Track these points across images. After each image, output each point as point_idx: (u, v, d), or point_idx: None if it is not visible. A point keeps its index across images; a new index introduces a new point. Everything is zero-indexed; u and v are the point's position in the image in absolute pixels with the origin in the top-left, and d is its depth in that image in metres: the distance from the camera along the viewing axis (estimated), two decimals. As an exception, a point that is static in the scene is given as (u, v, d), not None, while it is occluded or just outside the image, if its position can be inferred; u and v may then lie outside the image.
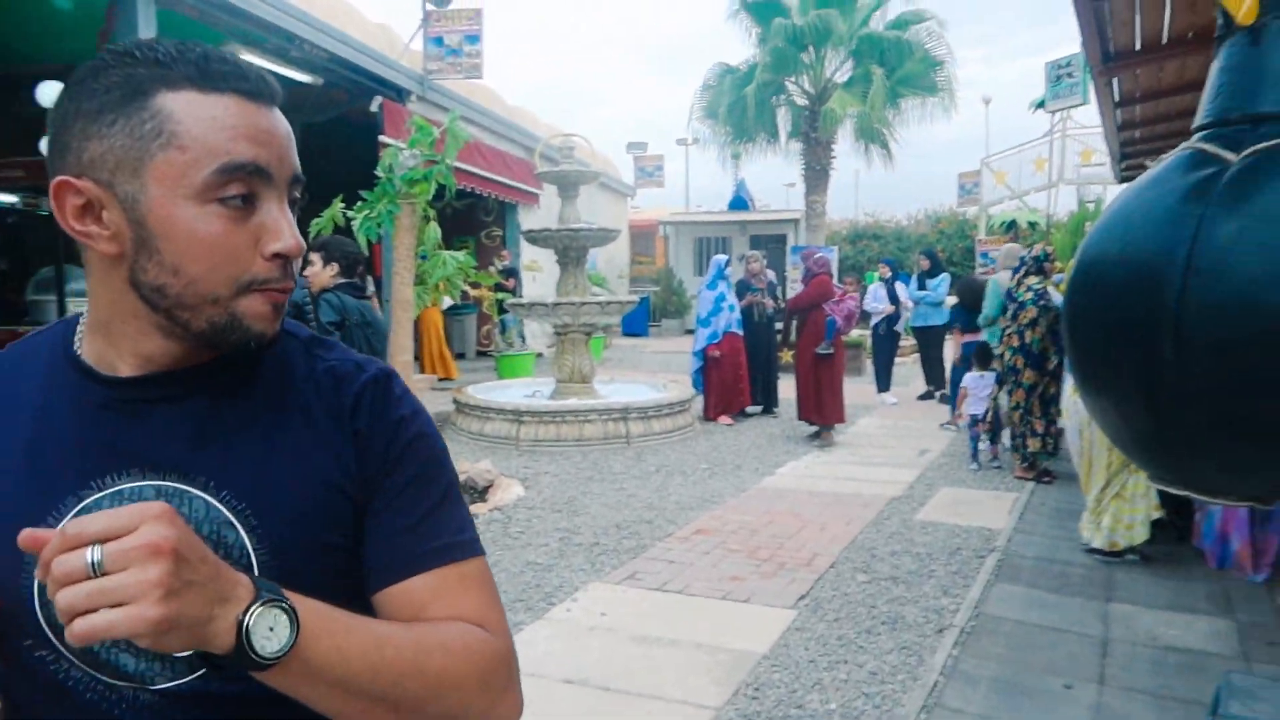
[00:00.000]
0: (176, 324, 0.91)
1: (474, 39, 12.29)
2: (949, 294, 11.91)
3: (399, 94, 11.97)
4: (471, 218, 16.95)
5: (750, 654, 4.29)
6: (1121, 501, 5.57)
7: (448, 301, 13.44)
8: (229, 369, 0.97)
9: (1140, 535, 5.52)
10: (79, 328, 0.99)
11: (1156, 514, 5.54)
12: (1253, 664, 4.18)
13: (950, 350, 11.16)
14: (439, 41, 12.23)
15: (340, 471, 0.97)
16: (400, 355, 7.36)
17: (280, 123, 0.93)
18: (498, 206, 16.66)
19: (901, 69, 20.39)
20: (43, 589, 0.81)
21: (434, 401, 10.71)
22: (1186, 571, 5.45)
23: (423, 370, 13.06)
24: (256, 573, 0.91)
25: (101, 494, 0.90)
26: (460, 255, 9.12)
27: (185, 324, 0.91)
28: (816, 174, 21.62)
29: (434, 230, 8.34)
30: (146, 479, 0.91)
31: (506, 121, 15.79)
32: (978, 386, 8.33)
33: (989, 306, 9.12)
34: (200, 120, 0.87)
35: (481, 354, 17.04)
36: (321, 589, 0.87)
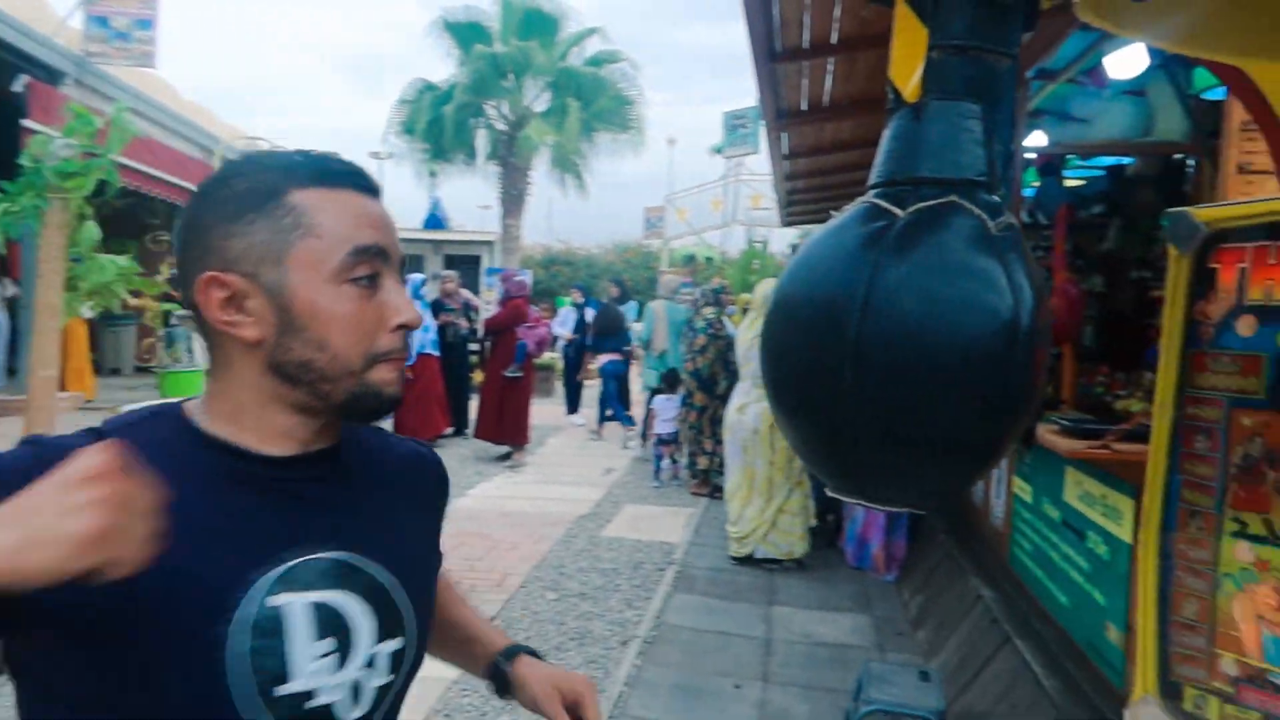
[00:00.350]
0: (318, 397, 1.02)
1: (146, 24, 11.21)
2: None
3: (51, 75, 10.62)
4: (136, 219, 15.33)
5: (440, 679, 4.24)
6: (787, 515, 6.15)
7: (88, 311, 12.01)
8: (348, 447, 1.11)
9: (800, 549, 6.15)
10: (192, 416, 1.04)
11: (813, 523, 6.21)
12: (886, 653, 4.79)
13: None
14: (103, 22, 11.02)
15: (438, 537, 1.27)
16: (42, 369, 6.48)
17: (388, 211, 1.07)
18: (167, 209, 15.22)
19: (596, 104, 21.27)
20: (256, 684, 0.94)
21: (83, 423, 9.53)
22: (834, 574, 6.12)
23: (64, 387, 11.57)
24: (407, 631, 1.08)
25: (285, 566, 0.98)
26: (122, 260, 8.22)
27: (326, 396, 1.02)
28: (513, 198, 21.94)
29: (91, 230, 7.46)
30: (324, 551, 1.02)
31: (182, 118, 14.48)
32: (665, 408, 8.84)
33: (645, 329, 10.36)
34: (330, 212, 1.00)
35: (141, 369, 15.41)
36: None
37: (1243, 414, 1.52)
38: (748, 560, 6.22)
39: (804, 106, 5.62)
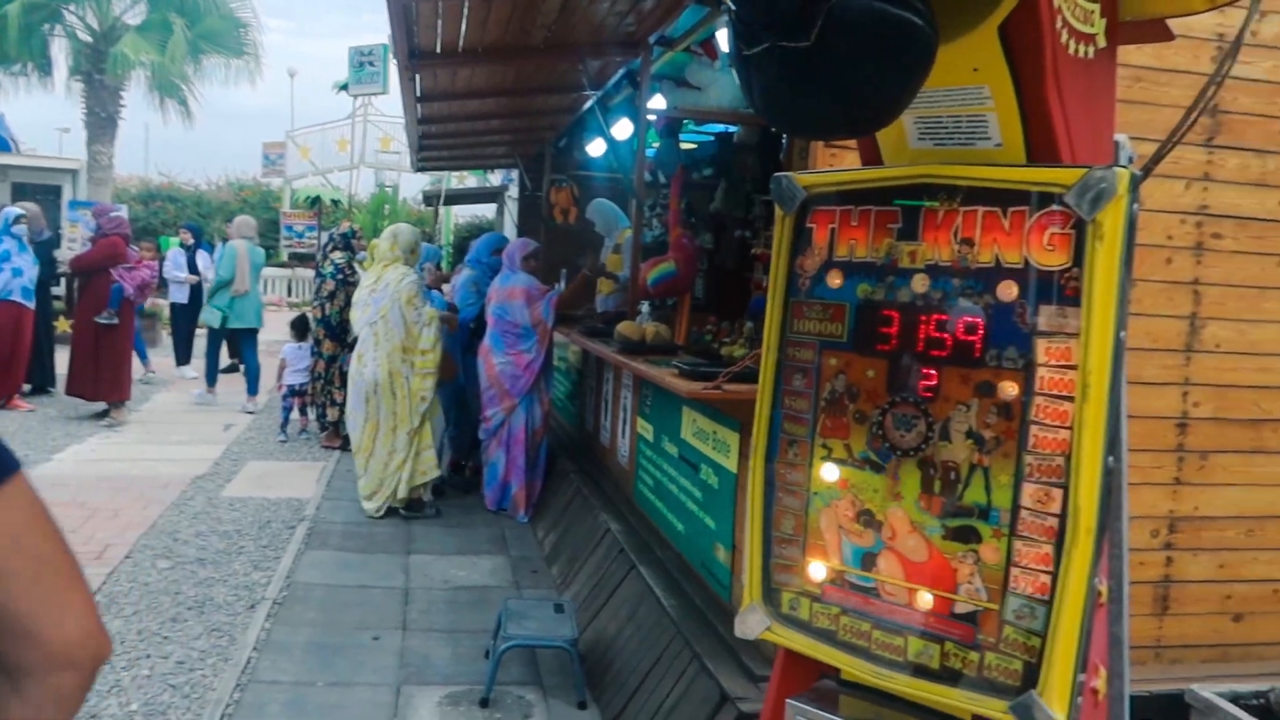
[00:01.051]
0: None
1: None
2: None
3: None
4: None
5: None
6: (413, 464, 6.08)
7: None
8: None
9: (428, 497, 6.13)
10: None
11: (440, 472, 6.21)
12: (523, 590, 4.98)
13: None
14: None
15: None
16: None
17: None
18: None
19: (203, 23, 19.16)
20: None
21: None
22: (471, 519, 6.22)
23: None
24: None
25: None
26: None
27: None
28: (102, 121, 19.18)
29: None
30: None
31: None
32: (296, 358, 8.34)
33: (226, 269, 9.46)
34: None
35: None
36: None
37: (830, 355, 1.77)
38: (386, 513, 6.11)
39: (439, 49, 5.50)
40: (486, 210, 21.67)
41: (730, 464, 3.67)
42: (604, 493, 5.63)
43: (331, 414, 7.93)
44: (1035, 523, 1.54)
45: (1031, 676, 1.54)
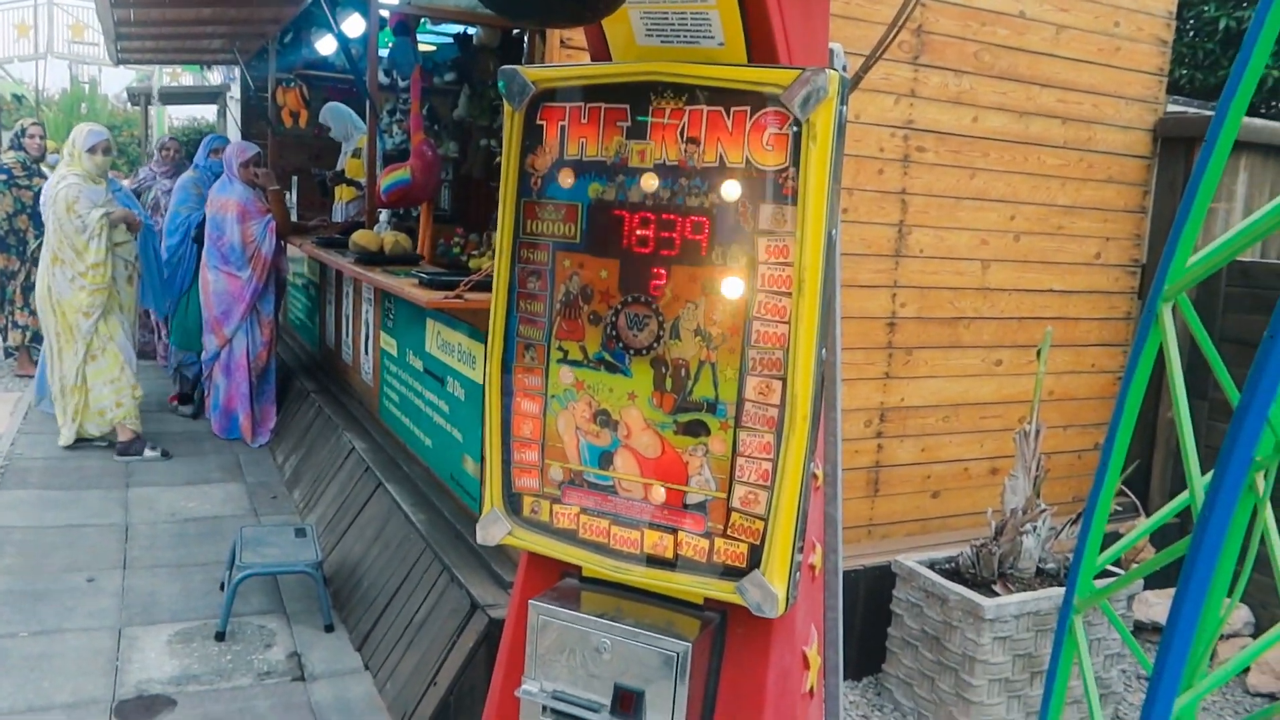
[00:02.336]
0: None
1: None
2: None
3: None
4: None
5: None
6: (100, 386, 5.45)
7: None
8: None
9: (131, 421, 5.51)
10: None
11: (118, 412, 5.50)
12: (261, 517, 4.72)
13: None
14: None
15: None
16: None
17: None
18: None
19: None
20: None
21: None
22: (200, 447, 5.79)
23: None
24: None
25: None
26: None
27: None
28: None
29: None
30: None
31: None
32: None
33: None
34: None
35: None
36: None
37: (565, 256, 1.75)
38: (97, 443, 5.54)
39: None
40: (207, 112, 19.75)
41: (476, 375, 3.62)
42: (348, 412, 5.41)
43: (14, 337, 7.05)
44: (758, 414, 1.62)
45: (756, 558, 1.64)
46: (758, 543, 1.64)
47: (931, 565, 3.36)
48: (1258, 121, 4.36)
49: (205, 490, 5.06)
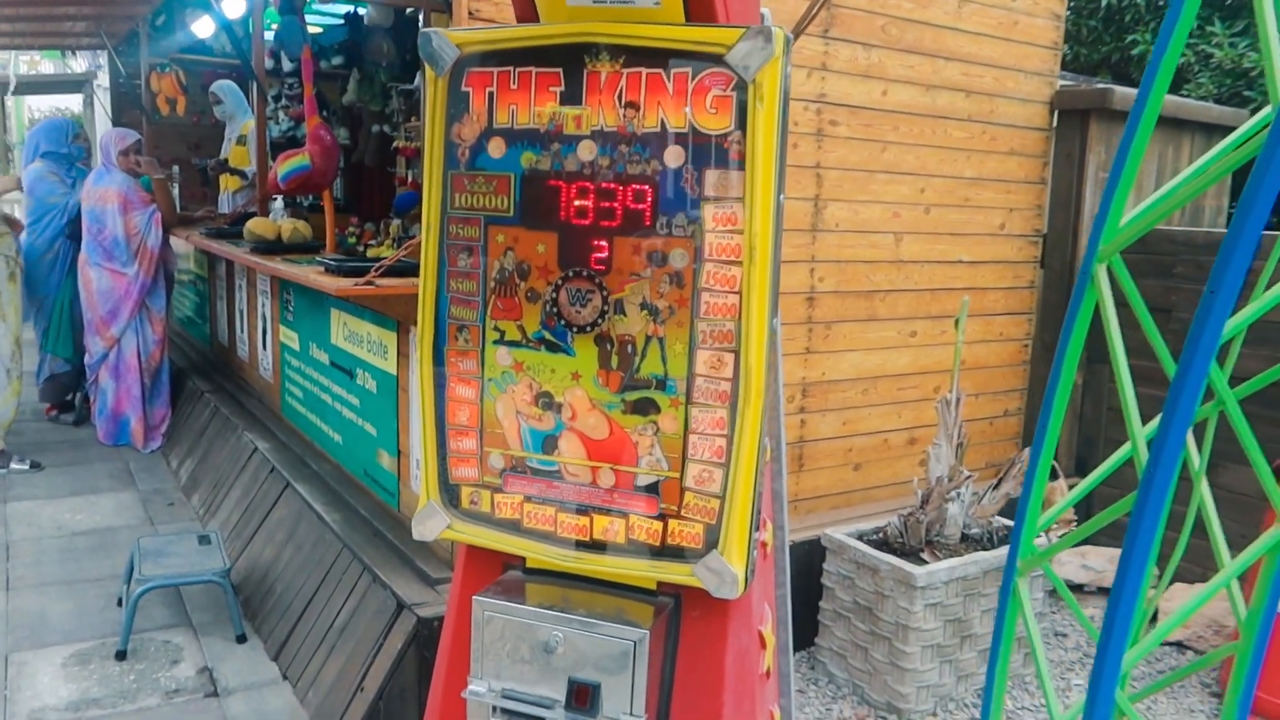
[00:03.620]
0: None
1: None
2: None
3: None
4: None
5: None
6: None
7: None
8: None
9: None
10: None
11: (14, 401, 5.21)
12: (158, 526, 4.45)
13: None
14: None
15: None
16: None
17: None
18: None
19: None
20: None
21: None
22: (84, 456, 5.43)
23: None
24: None
25: None
26: None
27: None
28: None
29: None
30: None
31: None
32: None
33: None
34: None
35: None
36: None
37: (497, 231, 1.65)
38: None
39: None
40: (71, 102, 18.62)
41: (389, 366, 3.46)
42: (247, 411, 5.15)
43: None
44: (710, 388, 1.56)
45: (712, 538, 1.58)
46: (714, 522, 1.58)
47: (860, 537, 3.38)
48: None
49: (93, 501, 4.74)
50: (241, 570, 3.78)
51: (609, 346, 1.61)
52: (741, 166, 1.49)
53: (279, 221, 4.30)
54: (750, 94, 1.46)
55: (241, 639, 3.39)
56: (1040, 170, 4.32)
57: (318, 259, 3.70)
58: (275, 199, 4.99)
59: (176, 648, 3.35)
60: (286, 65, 7.09)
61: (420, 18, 5.56)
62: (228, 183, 6.61)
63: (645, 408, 1.60)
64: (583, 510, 1.66)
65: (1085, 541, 4.08)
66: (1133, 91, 4.43)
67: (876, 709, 3.19)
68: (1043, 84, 4.23)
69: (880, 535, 3.39)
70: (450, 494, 1.75)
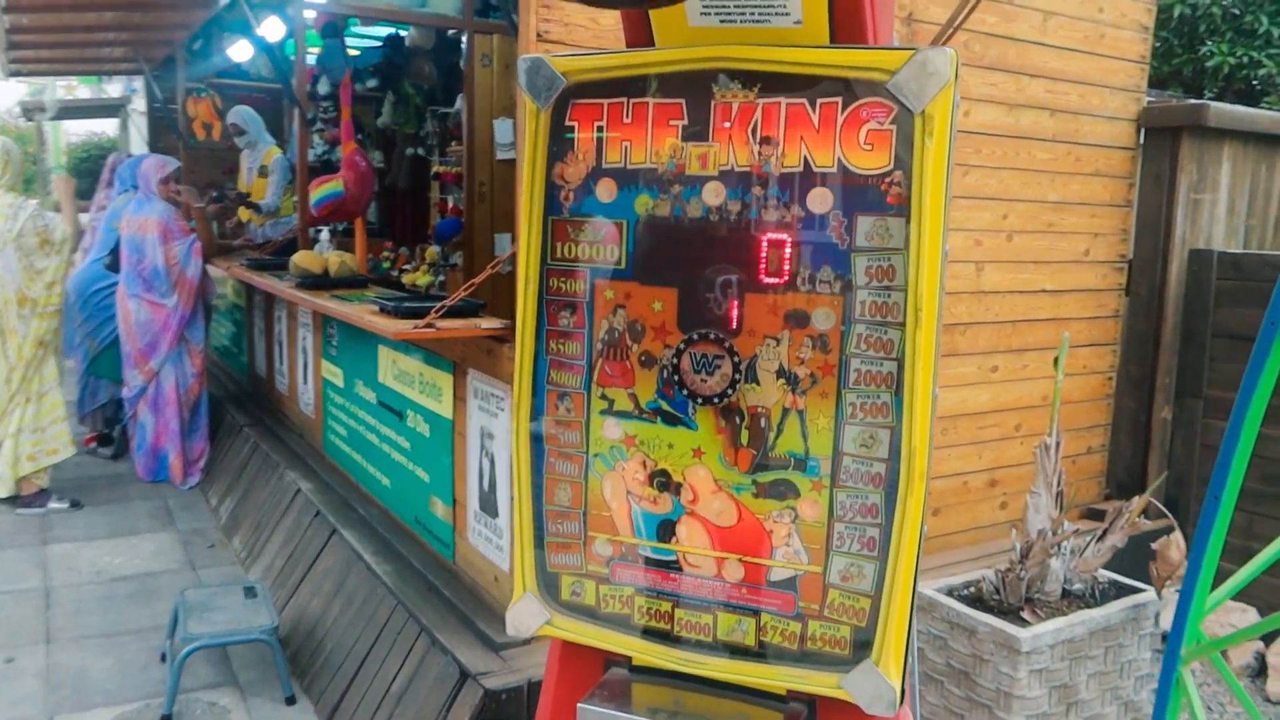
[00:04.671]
0: None
1: None
2: None
3: None
4: None
5: None
6: (31, 434, 4.90)
7: None
8: None
9: (59, 455, 4.98)
10: None
11: (69, 452, 5.03)
12: (199, 570, 4.26)
13: None
14: None
15: None
16: None
17: None
18: None
19: None
20: None
21: None
22: (123, 493, 5.27)
23: None
24: None
25: None
26: None
27: None
28: None
29: None
30: None
31: None
32: None
33: None
34: None
35: None
36: None
37: (606, 285, 1.44)
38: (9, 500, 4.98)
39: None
40: (107, 126, 18.74)
41: (444, 410, 3.26)
42: (287, 447, 4.98)
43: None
44: (860, 470, 1.34)
45: (861, 642, 1.35)
46: (863, 625, 1.36)
47: (950, 593, 3.13)
48: (1238, 109, 4.26)
49: (133, 543, 4.57)
50: (288, 622, 3.58)
51: (738, 420, 1.39)
52: (902, 212, 1.27)
53: (325, 254, 4.12)
54: (918, 127, 1.24)
55: (291, 700, 3.19)
56: (1126, 192, 4.07)
57: (371, 297, 3.51)
58: (321, 229, 4.83)
59: (223, 710, 3.15)
60: (322, 89, 6.97)
61: (464, 40, 5.42)
62: (243, 214, 6.48)
63: (781, 491, 1.38)
64: (706, 606, 1.44)
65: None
66: (1231, 108, 4.18)
67: (976, 782, 2.94)
68: (1129, 100, 3.99)
69: (973, 590, 3.14)
70: (549, 583, 1.54)
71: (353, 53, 7.11)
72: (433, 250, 5.14)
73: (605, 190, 1.42)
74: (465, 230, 4.74)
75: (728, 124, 1.35)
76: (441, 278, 4.81)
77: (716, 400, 1.39)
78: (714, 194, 1.36)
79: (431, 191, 6.45)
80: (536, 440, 1.51)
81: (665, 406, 1.43)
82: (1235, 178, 4.17)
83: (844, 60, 1.27)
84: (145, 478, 5.42)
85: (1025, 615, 2.96)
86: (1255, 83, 5.83)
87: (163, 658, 3.38)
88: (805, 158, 1.31)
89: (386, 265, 5.54)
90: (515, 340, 1.49)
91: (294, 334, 5.14)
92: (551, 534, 1.52)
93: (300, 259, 4.00)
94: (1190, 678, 1.77)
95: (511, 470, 1.53)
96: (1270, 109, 5.25)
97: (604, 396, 1.46)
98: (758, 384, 1.37)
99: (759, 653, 1.42)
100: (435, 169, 6.16)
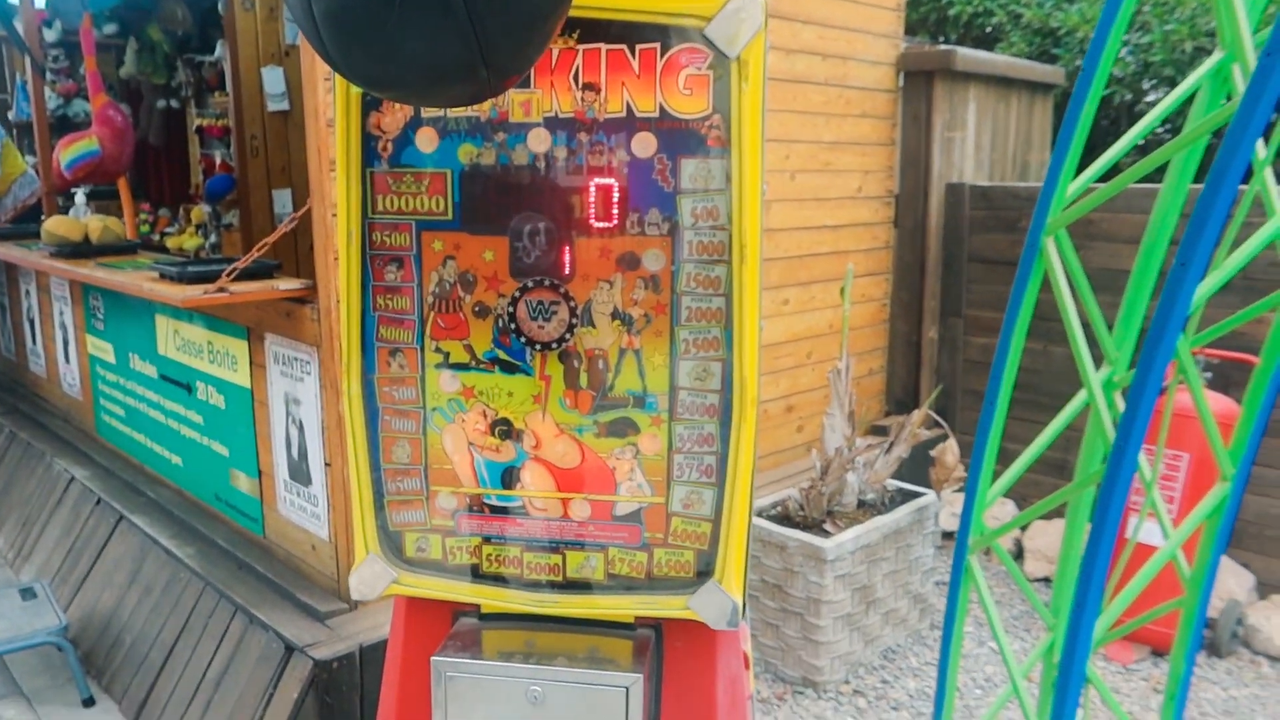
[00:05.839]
0: None
1: None
2: None
3: None
4: None
5: None
6: None
7: None
8: None
9: None
10: None
11: None
12: (-40, 579, 3.84)
13: None
14: None
15: None
16: None
17: None
18: None
19: None
20: None
21: None
22: None
23: None
24: None
25: None
26: None
27: None
28: None
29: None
30: None
31: None
32: None
33: None
34: None
35: None
36: None
37: (434, 237, 1.41)
38: None
39: None
40: None
41: (240, 378, 3.08)
42: (51, 433, 4.54)
43: None
44: (696, 402, 1.40)
45: (705, 565, 1.44)
46: (705, 548, 1.44)
47: (760, 514, 3.33)
48: (980, 54, 4.66)
49: None
50: (77, 621, 3.31)
51: (577, 363, 1.42)
52: (723, 154, 1.33)
53: (84, 219, 3.74)
54: (734, 73, 1.30)
55: (89, 702, 2.96)
56: (890, 131, 4.38)
57: (147, 264, 3.24)
58: (75, 191, 4.36)
59: (10, 723, 2.89)
60: (51, 36, 6.25)
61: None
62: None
63: (623, 429, 1.43)
64: (554, 547, 1.48)
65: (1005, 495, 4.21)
66: (974, 53, 4.57)
67: (792, 685, 3.17)
68: (889, 46, 4.28)
69: (780, 510, 3.36)
70: (392, 542, 1.52)
71: (86, -6, 6.40)
72: (200, 210, 4.79)
73: (426, 139, 1.39)
74: (239, 188, 4.44)
75: (549, 71, 1.35)
76: (213, 239, 4.50)
77: (554, 345, 1.41)
78: (539, 141, 1.37)
79: (192, 147, 5.97)
80: (369, 399, 1.47)
81: (503, 355, 1.43)
82: (980, 116, 4.58)
83: (661, 7, 1.30)
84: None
85: (827, 527, 3.20)
86: (989, 29, 6.41)
87: (-70, 677, 3.04)
88: (628, 103, 1.34)
89: (146, 229, 5.11)
90: (337, 299, 1.44)
91: (46, 309, 4.66)
92: (392, 492, 1.50)
93: (55, 225, 3.61)
94: (977, 564, 1.99)
95: (347, 433, 1.49)
96: (1002, 54, 5.78)
97: (439, 350, 1.45)
98: (594, 327, 1.40)
99: (607, 585, 1.47)
100: (197, 123, 5.70)
